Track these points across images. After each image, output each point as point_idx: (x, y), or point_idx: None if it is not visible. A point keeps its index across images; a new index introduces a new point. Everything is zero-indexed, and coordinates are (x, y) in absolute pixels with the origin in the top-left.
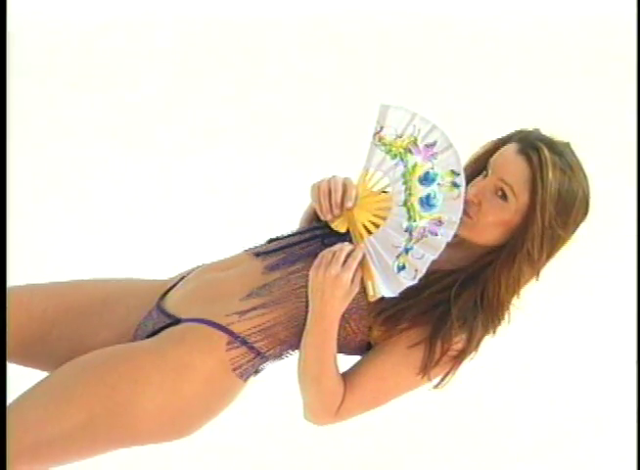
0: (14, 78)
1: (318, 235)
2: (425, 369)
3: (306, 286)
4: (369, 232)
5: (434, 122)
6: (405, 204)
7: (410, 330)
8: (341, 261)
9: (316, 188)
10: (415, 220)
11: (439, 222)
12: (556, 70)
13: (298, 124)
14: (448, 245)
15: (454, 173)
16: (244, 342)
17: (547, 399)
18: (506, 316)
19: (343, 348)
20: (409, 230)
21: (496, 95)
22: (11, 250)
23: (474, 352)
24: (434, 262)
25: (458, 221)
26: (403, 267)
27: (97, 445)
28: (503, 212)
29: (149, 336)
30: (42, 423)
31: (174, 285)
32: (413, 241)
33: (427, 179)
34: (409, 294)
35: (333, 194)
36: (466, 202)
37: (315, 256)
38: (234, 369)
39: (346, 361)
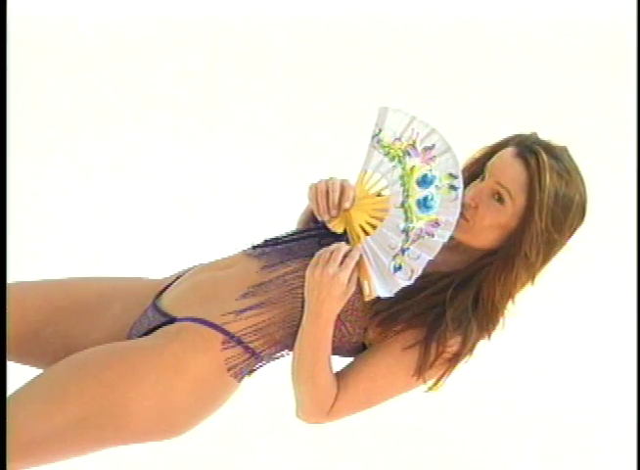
0: (14, 78)
1: (315, 236)
2: (419, 371)
3: (302, 286)
4: (366, 233)
5: (432, 126)
6: (403, 205)
7: (405, 332)
8: (338, 261)
9: (314, 188)
10: (412, 222)
11: (436, 224)
12: (556, 71)
13: (297, 125)
14: (445, 248)
15: (452, 176)
16: (239, 341)
17: (546, 400)
18: (501, 321)
19: (339, 349)
20: (406, 231)
21: (496, 95)
22: (10, 249)
23: (468, 356)
24: (430, 263)
25: (455, 223)
26: (399, 268)
27: (90, 442)
28: (500, 216)
29: (144, 334)
30: (36, 420)
31: (170, 284)
32: (410, 242)
33: (425, 182)
34: (405, 296)
35: (330, 194)
36: (463, 205)
37: (312, 256)
38: (229, 369)
39: (341, 362)
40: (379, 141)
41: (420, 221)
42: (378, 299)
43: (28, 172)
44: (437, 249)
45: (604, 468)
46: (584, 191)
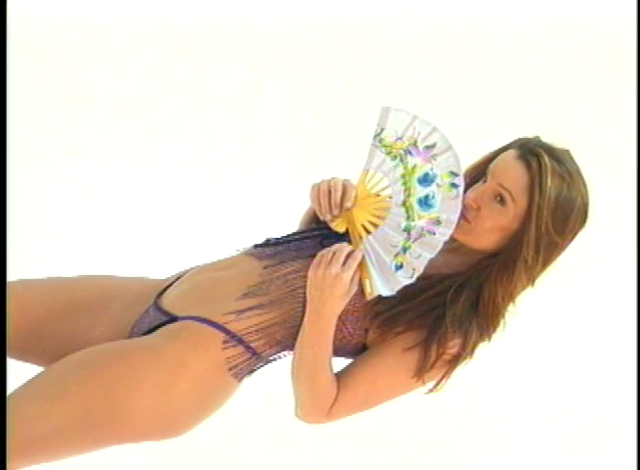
0: (14, 78)
1: (316, 236)
2: (419, 373)
3: (304, 287)
4: (368, 232)
5: (434, 124)
6: (404, 204)
7: (406, 333)
8: (341, 261)
9: (316, 188)
10: (413, 220)
11: (437, 222)
12: (556, 71)
13: (298, 126)
14: (446, 249)
15: (453, 174)
16: (240, 341)
17: (547, 401)
18: (501, 323)
19: (340, 350)
20: (407, 230)
21: (496, 95)
22: (10, 247)
23: (468, 358)
24: (431, 262)
25: (456, 221)
26: (401, 266)
27: (90, 441)
28: (501, 217)
29: (145, 333)
30: (36, 419)
31: (171, 284)
32: (411, 240)
33: (426, 180)
34: (406, 297)
35: (332, 194)
36: (464, 206)
37: (313, 256)
38: (229, 369)
39: (341, 363)
40: (380, 140)
41: (421, 220)
42: (379, 299)
43: (28, 172)
44: (439, 247)
45: (604, 468)
46: (586, 194)
